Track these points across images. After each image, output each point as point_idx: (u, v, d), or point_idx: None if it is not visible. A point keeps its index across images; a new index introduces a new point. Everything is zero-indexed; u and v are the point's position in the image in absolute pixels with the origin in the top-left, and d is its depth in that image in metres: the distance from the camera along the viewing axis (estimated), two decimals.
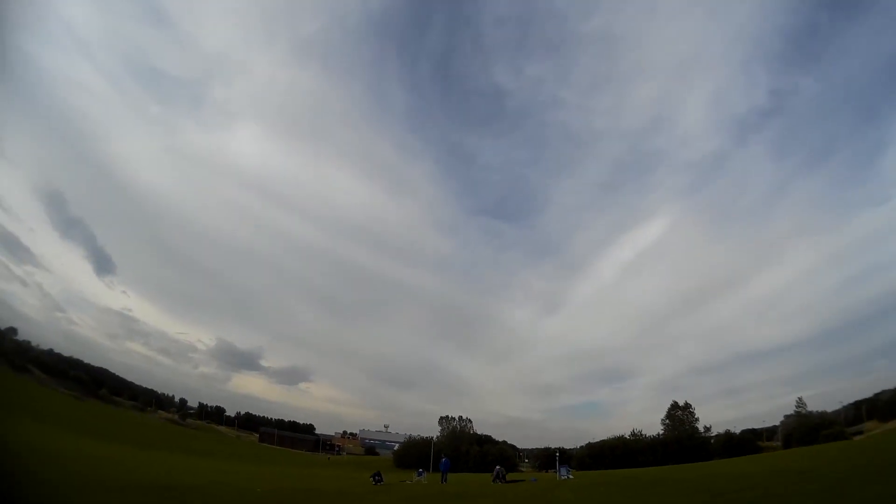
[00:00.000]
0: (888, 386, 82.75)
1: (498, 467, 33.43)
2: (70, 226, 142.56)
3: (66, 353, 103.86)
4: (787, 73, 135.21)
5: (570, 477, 33.27)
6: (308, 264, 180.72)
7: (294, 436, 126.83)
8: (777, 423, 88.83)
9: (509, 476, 34.83)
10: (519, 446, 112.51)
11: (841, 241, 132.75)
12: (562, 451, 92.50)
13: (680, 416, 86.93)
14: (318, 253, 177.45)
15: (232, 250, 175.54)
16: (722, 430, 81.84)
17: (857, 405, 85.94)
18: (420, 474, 36.32)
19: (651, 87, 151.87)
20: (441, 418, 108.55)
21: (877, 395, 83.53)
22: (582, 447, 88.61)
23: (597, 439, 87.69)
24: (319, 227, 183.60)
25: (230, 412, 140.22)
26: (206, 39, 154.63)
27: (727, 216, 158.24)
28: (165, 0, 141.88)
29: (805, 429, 79.36)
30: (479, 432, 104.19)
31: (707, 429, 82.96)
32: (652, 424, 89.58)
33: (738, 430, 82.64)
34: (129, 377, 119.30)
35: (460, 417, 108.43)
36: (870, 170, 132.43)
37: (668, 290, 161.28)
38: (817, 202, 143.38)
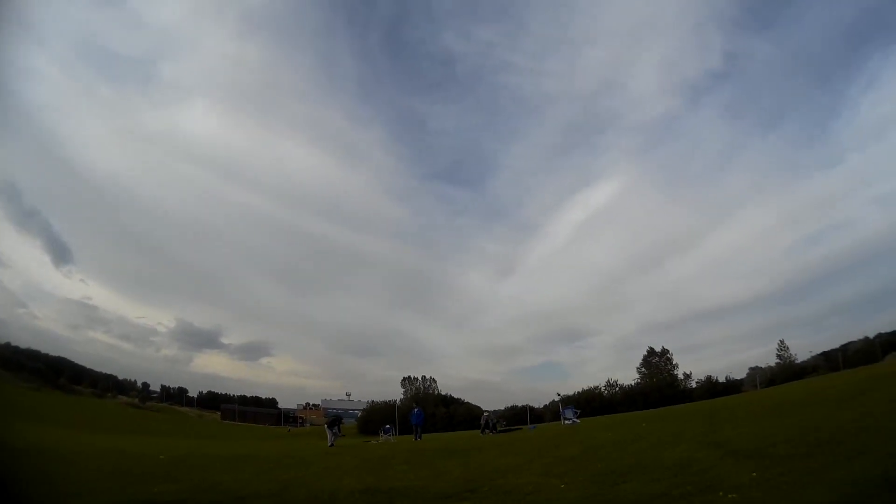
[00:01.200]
0: (843, 341, 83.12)
1: (486, 414, 25.59)
2: (26, 217, 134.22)
3: (22, 346, 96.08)
4: (741, 36, 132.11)
5: (577, 421, 25.84)
6: (264, 238, 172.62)
7: (256, 410, 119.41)
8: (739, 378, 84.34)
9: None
10: (483, 407, 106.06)
11: (795, 202, 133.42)
12: (531, 408, 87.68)
13: (657, 363, 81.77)
14: (273, 226, 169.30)
15: (187, 228, 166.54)
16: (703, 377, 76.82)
17: (826, 355, 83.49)
18: (387, 431, 28.26)
19: (602, 50, 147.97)
20: (404, 379, 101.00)
21: (843, 346, 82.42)
22: (554, 401, 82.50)
23: (557, 398, 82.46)
24: (274, 200, 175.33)
25: (193, 392, 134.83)
26: (155, 16, 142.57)
27: (681, 177, 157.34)
28: None
29: (789, 373, 76.04)
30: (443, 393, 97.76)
31: (687, 376, 77.78)
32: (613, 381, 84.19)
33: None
34: (91, 365, 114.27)
35: (424, 377, 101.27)
36: (823, 133, 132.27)
37: (623, 249, 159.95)
38: (771, 164, 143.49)
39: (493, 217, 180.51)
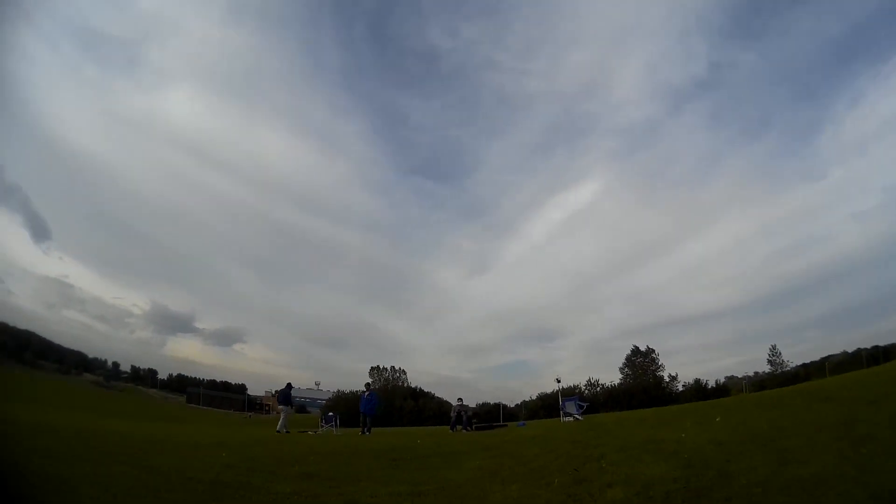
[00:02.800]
0: (820, 354, 75.36)
1: (458, 405, 18.47)
2: (6, 193, 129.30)
3: None
4: (726, 47, 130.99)
5: (580, 417, 18.82)
6: (242, 226, 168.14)
7: (222, 395, 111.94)
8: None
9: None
10: (453, 404, 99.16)
11: (774, 214, 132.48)
12: (504, 406, 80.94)
13: (641, 363, 75.44)
14: (251, 214, 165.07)
15: (165, 212, 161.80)
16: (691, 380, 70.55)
17: (806, 367, 78.45)
18: (329, 420, 21.07)
19: (587, 52, 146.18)
20: (372, 368, 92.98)
21: (823, 358, 73.21)
22: (533, 399, 75.57)
23: (532, 397, 75.74)
24: (253, 188, 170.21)
25: (163, 375, 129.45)
26: None
27: (660, 182, 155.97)
28: None
29: (782, 379, 71.13)
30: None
31: (673, 377, 71.43)
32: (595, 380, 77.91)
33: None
34: (60, 342, 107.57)
35: (393, 368, 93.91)
36: (806, 147, 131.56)
37: (598, 252, 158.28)
38: (751, 174, 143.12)
39: (470, 214, 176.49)
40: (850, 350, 76.26)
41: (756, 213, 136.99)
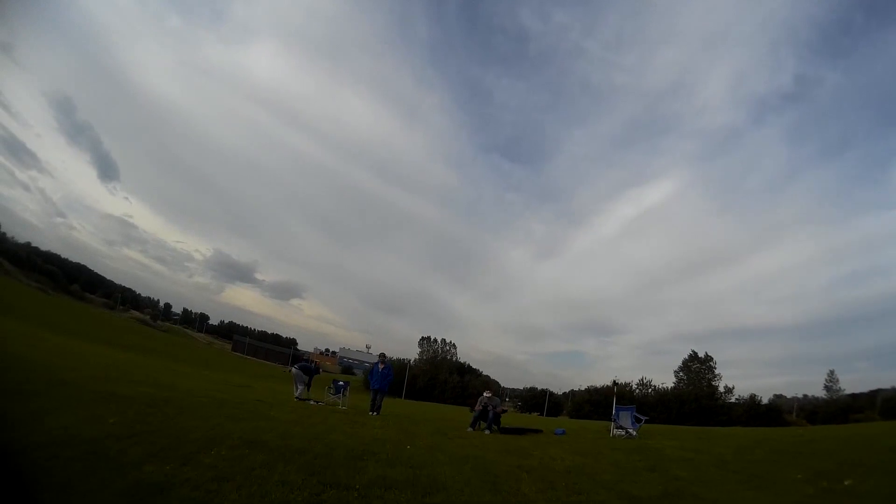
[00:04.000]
0: (868, 387, 73.53)
1: (488, 396, 14.97)
2: (77, 131, 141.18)
3: (42, 248, 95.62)
4: (813, 62, 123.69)
5: (634, 434, 15.03)
6: (312, 184, 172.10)
7: (268, 347, 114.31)
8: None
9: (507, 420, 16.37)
10: (502, 384, 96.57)
11: (843, 238, 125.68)
12: (550, 393, 77.02)
13: (697, 369, 69.68)
14: (323, 174, 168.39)
15: (238, 164, 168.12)
16: (745, 395, 64.56)
17: (854, 396, 71.79)
18: (339, 390, 18.17)
19: (676, 52, 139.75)
20: (422, 339, 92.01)
21: (873, 392, 71.47)
22: (580, 390, 71.47)
23: (581, 387, 71.72)
24: (328, 149, 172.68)
25: (215, 321, 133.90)
26: None
27: (734, 191, 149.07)
28: None
29: (835, 408, 64.85)
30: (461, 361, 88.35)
31: (729, 389, 65.63)
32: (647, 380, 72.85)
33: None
34: (117, 279, 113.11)
35: (443, 340, 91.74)
36: (883, 173, 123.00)
37: (665, 254, 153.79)
38: (825, 195, 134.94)
39: (545, 198, 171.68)
40: None
41: (826, 234, 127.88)
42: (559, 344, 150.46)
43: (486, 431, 13.81)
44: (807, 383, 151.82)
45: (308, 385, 18.39)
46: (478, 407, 14.57)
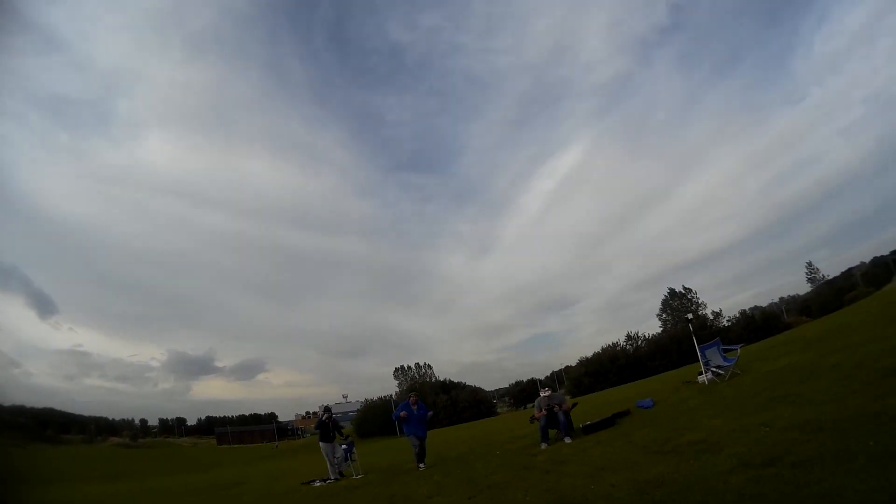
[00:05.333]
0: (832, 274, 75.47)
1: (547, 394, 10.87)
2: (5, 276, 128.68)
3: (6, 404, 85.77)
4: None
5: (722, 373, 11.45)
6: (240, 256, 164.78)
7: (251, 430, 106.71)
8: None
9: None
10: (485, 388, 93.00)
11: (761, 143, 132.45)
12: (539, 381, 73.63)
13: (678, 306, 68.26)
14: (247, 243, 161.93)
15: (164, 259, 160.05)
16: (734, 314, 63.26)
17: (845, 275, 73.49)
18: (346, 455, 13.59)
19: (548, 18, 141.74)
20: (396, 370, 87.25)
21: (845, 272, 73.95)
22: (573, 366, 68.30)
23: (560, 367, 69.10)
24: (243, 217, 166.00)
25: (192, 421, 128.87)
26: (102, 55, 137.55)
27: (643, 133, 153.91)
28: (55, 28, 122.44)
29: (830, 294, 64.98)
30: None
31: (717, 314, 64.26)
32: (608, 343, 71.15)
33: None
34: (89, 412, 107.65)
35: (417, 365, 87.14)
36: (781, 72, 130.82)
37: (595, 213, 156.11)
38: (731, 108, 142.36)
39: (464, 198, 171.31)
40: (866, 260, 73.78)
41: (743, 145, 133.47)
42: (523, 332, 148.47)
43: (566, 439, 9.83)
44: (777, 287, 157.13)
45: (348, 454, 13.75)
46: (540, 414, 10.55)
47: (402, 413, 11.84)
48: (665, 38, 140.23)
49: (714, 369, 12.19)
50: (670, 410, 10.16)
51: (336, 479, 12.78)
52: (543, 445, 9.89)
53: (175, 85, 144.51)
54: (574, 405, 11.72)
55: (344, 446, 13.90)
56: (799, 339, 17.13)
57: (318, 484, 12.69)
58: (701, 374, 13.20)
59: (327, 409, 14.01)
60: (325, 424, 13.44)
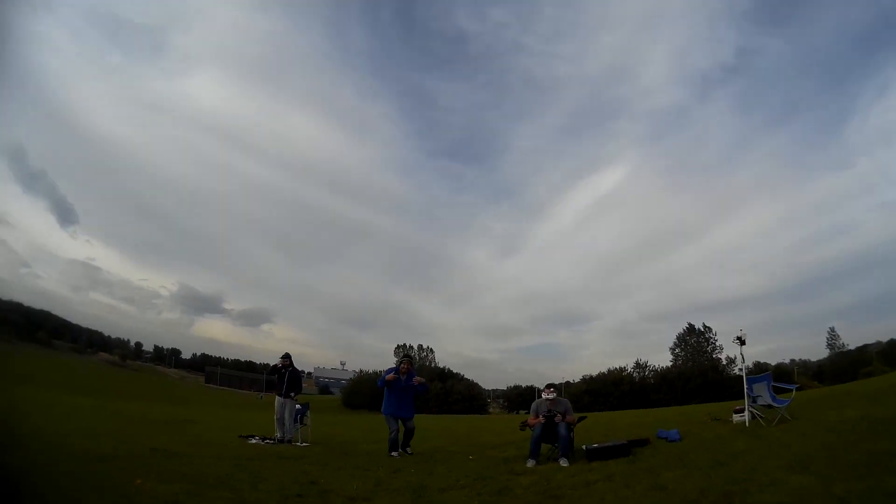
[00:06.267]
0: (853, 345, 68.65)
1: (549, 398, 8.15)
2: (32, 179, 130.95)
3: (4, 298, 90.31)
4: (753, 32, 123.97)
5: (778, 413, 8.70)
6: (268, 207, 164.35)
7: (241, 375, 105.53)
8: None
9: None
10: (483, 386, 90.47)
11: (800, 202, 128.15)
12: (538, 389, 70.68)
13: (694, 342, 64.52)
14: (278, 195, 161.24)
15: (193, 195, 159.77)
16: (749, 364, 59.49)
17: (860, 349, 68.01)
18: (296, 417, 11.25)
19: (615, 36, 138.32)
20: (398, 347, 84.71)
21: (860, 347, 67.98)
22: (575, 382, 65.22)
23: (561, 380, 65.82)
24: (279, 170, 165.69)
25: (188, 355, 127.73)
26: None
27: (687, 168, 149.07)
28: None
29: (845, 364, 60.79)
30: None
31: (731, 360, 60.36)
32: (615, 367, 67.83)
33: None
34: (85, 323, 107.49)
35: (420, 346, 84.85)
36: (833, 136, 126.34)
37: (625, 236, 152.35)
38: (778, 161, 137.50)
39: (499, 196, 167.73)
40: (870, 342, 67.91)
41: (783, 200, 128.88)
42: (530, 338, 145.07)
43: (562, 461, 7.24)
44: (789, 348, 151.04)
45: (298, 417, 11.30)
46: (535, 421, 7.98)
47: (391, 376, 9.24)
48: (727, 78, 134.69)
49: (752, 409, 9.46)
50: (706, 450, 7.50)
51: (277, 442, 10.48)
52: (531, 463, 7.33)
53: (237, 28, 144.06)
54: (581, 419, 9.07)
55: (298, 406, 11.52)
56: (843, 395, 14.10)
57: (253, 441, 10.42)
58: (739, 411, 10.48)
59: (287, 356, 11.58)
60: (280, 373, 11.12)
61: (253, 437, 11.01)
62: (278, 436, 10.69)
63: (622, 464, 6.95)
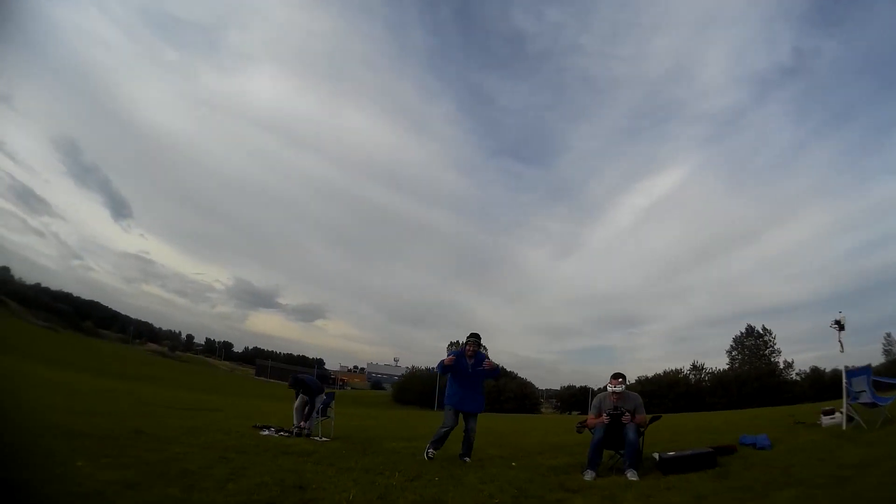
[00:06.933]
0: None
1: (613, 390, 6.28)
2: (86, 173, 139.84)
3: (53, 288, 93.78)
4: (809, 34, 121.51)
5: (881, 414, 6.75)
6: (325, 203, 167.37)
7: (292, 368, 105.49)
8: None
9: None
10: (537, 386, 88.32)
11: (856, 206, 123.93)
12: (591, 391, 68.08)
13: (752, 345, 60.48)
14: (335, 192, 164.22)
15: (249, 191, 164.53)
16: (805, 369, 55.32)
17: None
18: (320, 406, 9.93)
19: (672, 38, 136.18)
20: (450, 343, 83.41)
21: None
22: (635, 382, 62.62)
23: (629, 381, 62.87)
24: (337, 167, 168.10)
25: (240, 348, 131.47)
26: None
27: (744, 171, 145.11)
28: None
29: None
30: None
31: (788, 364, 56.37)
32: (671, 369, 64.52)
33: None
34: (136, 315, 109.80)
35: None
36: (888, 139, 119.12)
37: (682, 240, 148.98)
38: (834, 165, 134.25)
39: (557, 197, 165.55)
40: None
41: (838, 205, 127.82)
42: (586, 340, 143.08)
43: (629, 474, 5.51)
44: (842, 355, 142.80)
45: (314, 410, 9.89)
46: (596, 420, 6.24)
47: (450, 358, 7.37)
48: (784, 80, 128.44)
49: (850, 407, 7.53)
50: (813, 460, 5.63)
51: (293, 434, 9.18)
52: (590, 475, 5.63)
53: (293, 26, 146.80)
54: (655, 419, 7.23)
55: (323, 395, 10.17)
56: None
57: (265, 433, 9.17)
58: (829, 412, 8.49)
59: (300, 374, 10.41)
60: (301, 383, 9.90)
61: (268, 427, 9.78)
62: (295, 428, 9.36)
63: (709, 479, 5.21)
